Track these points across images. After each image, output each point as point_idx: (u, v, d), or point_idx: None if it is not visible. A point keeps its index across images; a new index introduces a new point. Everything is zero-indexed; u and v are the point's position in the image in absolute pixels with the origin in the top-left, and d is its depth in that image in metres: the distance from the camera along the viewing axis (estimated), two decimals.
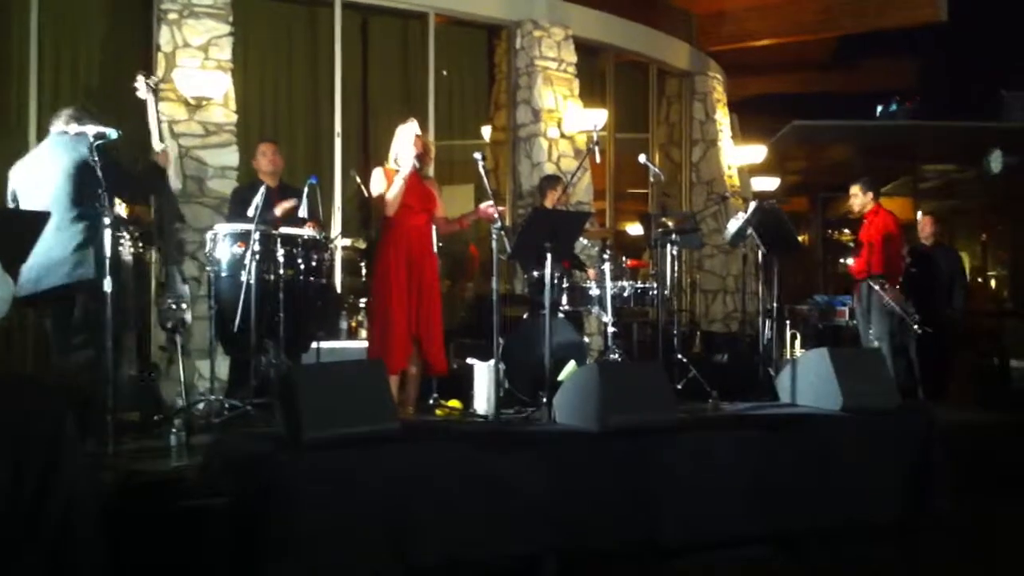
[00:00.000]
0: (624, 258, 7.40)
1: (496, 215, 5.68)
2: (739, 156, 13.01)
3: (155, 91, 5.76)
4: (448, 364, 6.19)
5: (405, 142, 6.01)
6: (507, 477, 4.42)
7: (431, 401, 6.16)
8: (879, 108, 16.47)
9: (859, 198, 7.81)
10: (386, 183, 5.96)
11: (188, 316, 5.93)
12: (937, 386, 7.88)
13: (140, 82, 5.65)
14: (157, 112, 5.69)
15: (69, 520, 3.49)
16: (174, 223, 6.28)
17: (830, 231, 7.84)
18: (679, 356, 7.18)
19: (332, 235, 7.60)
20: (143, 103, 5.64)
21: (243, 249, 5.82)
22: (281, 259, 5.83)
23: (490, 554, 4.28)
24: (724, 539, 4.80)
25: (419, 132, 6.08)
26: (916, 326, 7.75)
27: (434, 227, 6.17)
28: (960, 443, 5.85)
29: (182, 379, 5.92)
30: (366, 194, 6.20)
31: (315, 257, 6.06)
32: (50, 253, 4.85)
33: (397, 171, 5.96)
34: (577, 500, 4.51)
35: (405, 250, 5.93)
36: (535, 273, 7.10)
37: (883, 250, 7.78)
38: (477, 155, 5.80)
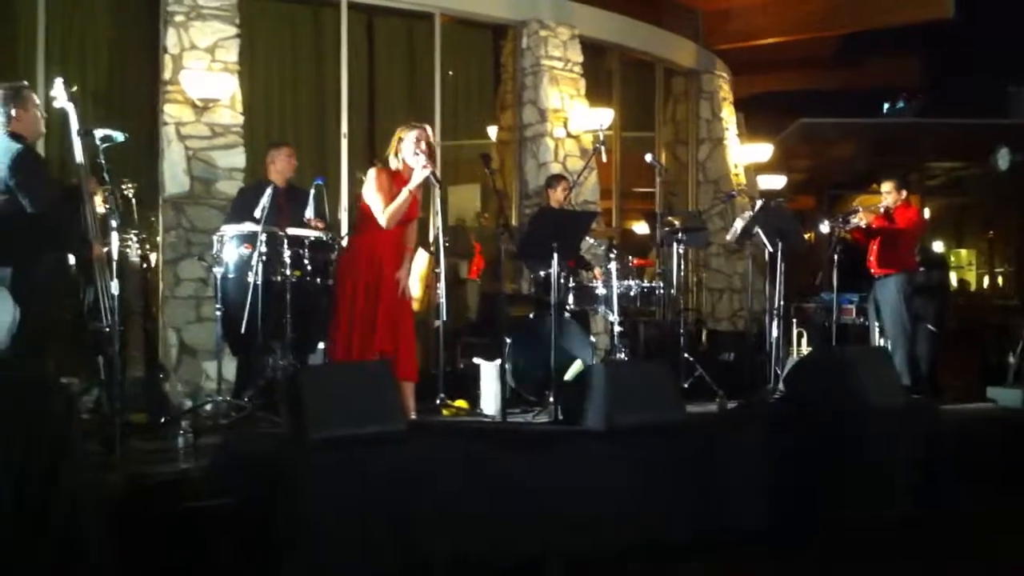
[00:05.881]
0: (630, 257, 7.40)
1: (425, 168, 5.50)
2: (745, 154, 13.01)
3: (74, 100, 5.17)
4: (417, 373, 5.78)
5: (410, 149, 5.58)
6: (514, 476, 4.43)
7: (437, 401, 6.16)
8: (885, 105, 16.41)
9: (893, 195, 7.88)
10: (383, 190, 5.55)
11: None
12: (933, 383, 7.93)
13: (58, 87, 5.15)
14: (78, 124, 5.11)
15: (75, 520, 3.52)
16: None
17: (836, 228, 7.81)
18: (685, 355, 7.19)
19: (339, 236, 7.60)
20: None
21: (250, 250, 5.83)
22: (288, 260, 5.82)
23: (497, 553, 4.30)
24: (732, 536, 4.80)
25: (424, 131, 5.65)
26: (930, 325, 7.81)
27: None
28: (967, 439, 5.85)
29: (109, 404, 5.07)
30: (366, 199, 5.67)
31: (321, 258, 6.06)
32: None
33: (395, 171, 5.62)
34: (584, 499, 4.52)
35: (378, 261, 5.57)
36: (541, 273, 7.10)
37: (911, 240, 7.90)
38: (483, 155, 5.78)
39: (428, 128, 5.75)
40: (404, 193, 5.52)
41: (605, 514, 4.56)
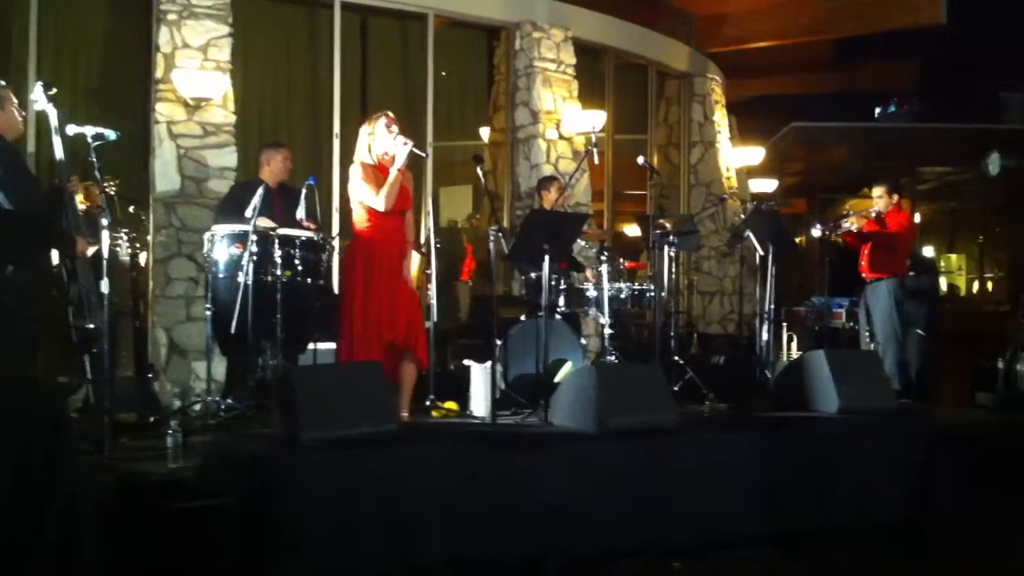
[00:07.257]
0: (622, 260, 7.39)
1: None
2: (738, 158, 13.03)
3: (55, 101, 5.25)
4: (427, 363, 5.91)
5: (384, 135, 5.69)
6: (507, 478, 4.43)
7: (427, 403, 6.15)
8: (878, 110, 16.45)
9: (884, 199, 7.91)
10: (370, 180, 5.64)
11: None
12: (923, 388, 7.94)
13: (37, 91, 5.25)
14: (61, 126, 5.23)
15: (72, 519, 3.51)
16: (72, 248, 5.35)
17: (828, 233, 7.84)
18: (676, 358, 7.18)
19: (330, 236, 7.58)
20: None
21: (241, 250, 5.81)
22: (279, 260, 5.80)
23: (492, 554, 4.30)
24: (726, 539, 4.80)
25: (388, 116, 5.75)
26: (920, 330, 7.85)
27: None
28: (963, 443, 5.86)
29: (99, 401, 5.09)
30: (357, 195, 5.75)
31: (313, 258, 6.04)
32: None
33: (376, 164, 5.72)
34: (576, 500, 4.53)
35: (379, 256, 5.65)
36: (532, 275, 7.09)
37: (902, 244, 7.93)
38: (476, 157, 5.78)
39: (390, 113, 5.81)
40: (394, 172, 5.61)
41: (597, 516, 4.56)
